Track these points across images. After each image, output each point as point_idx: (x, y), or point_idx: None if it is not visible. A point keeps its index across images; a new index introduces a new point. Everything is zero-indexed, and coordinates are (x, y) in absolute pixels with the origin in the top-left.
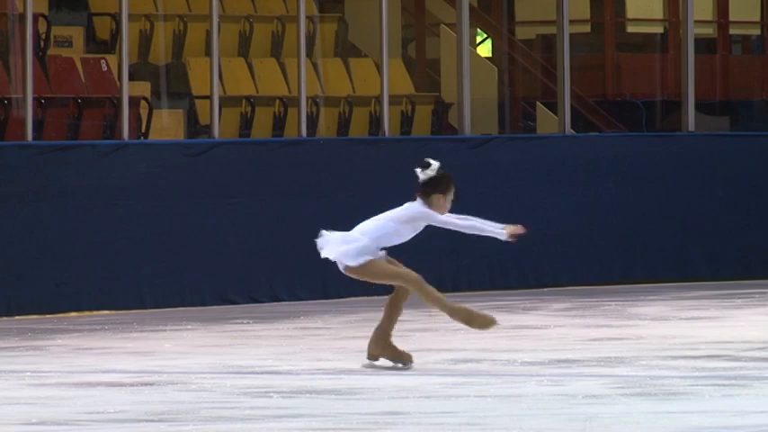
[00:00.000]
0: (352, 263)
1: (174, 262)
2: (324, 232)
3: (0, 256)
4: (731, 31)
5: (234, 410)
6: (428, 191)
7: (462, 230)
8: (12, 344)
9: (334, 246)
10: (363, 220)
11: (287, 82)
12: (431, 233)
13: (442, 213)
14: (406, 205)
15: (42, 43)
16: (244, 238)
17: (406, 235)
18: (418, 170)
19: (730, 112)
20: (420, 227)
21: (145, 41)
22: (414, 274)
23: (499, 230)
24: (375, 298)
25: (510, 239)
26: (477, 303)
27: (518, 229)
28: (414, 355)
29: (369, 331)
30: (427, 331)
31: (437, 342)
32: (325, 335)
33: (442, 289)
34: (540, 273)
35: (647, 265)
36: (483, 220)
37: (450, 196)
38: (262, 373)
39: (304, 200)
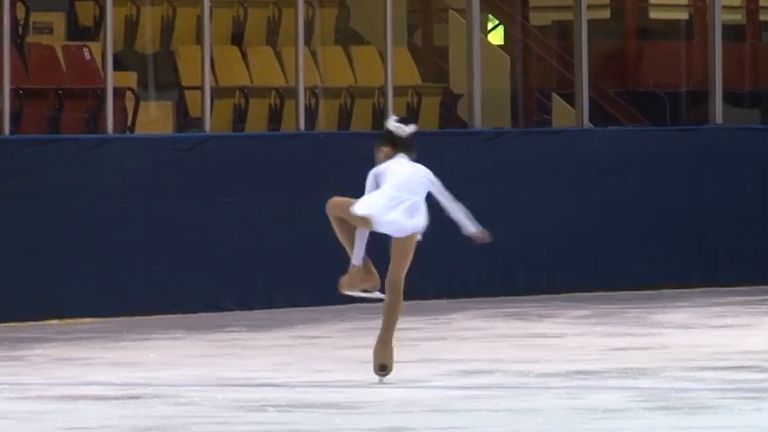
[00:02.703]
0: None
1: (162, 265)
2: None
3: None
4: (761, 17)
5: (226, 426)
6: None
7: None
8: None
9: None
10: None
11: (283, 72)
12: (439, 232)
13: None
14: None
15: (20, 30)
16: (237, 240)
17: None
18: (397, 127)
19: (760, 103)
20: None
21: (131, 28)
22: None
23: (469, 227)
24: (378, 305)
25: (474, 237)
26: (488, 310)
27: (483, 236)
28: (420, 365)
29: (371, 340)
30: (434, 340)
31: (445, 352)
32: (325, 344)
33: (450, 294)
34: (556, 277)
35: (670, 268)
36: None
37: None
38: (256, 385)
39: (302, 198)
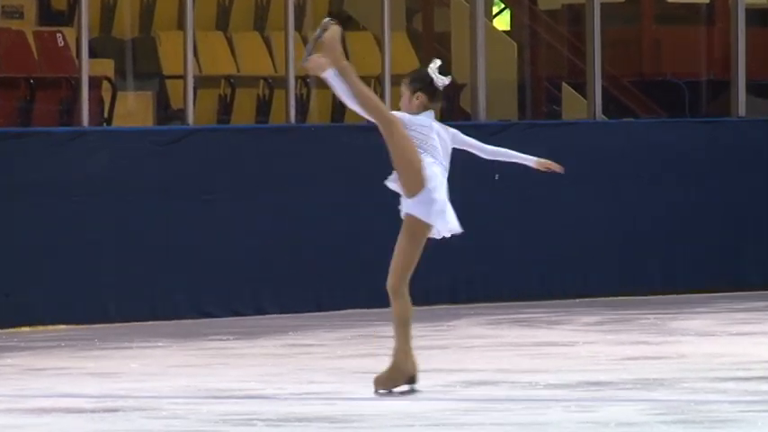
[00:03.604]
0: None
1: (142, 268)
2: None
3: None
4: None
5: None
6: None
7: (482, 155)
8: None
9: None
10: (361, 217)
11: (272, 59)
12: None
13: None
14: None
15: None
16: (223, 241)
17: None
18: (438, 77)
19: None
20: None
21: (108, 12)
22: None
23: (528, 158)
24: (375, 310)
25: (540, 168)
26: (493, 317)
27: (553, 165)
28: (420, 376)
29: (368, 349)
30: (436, 349)
31: (447, 361)
32: (318, 353)
33: (455, 299)
34: (566, 281)
35: (690, 270)
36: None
37: None
38: (244, 397)
39: (293, 196)
